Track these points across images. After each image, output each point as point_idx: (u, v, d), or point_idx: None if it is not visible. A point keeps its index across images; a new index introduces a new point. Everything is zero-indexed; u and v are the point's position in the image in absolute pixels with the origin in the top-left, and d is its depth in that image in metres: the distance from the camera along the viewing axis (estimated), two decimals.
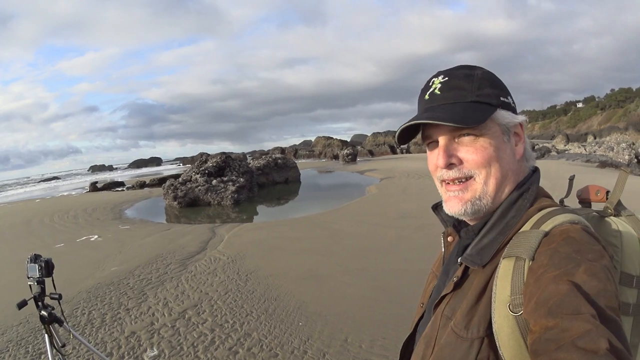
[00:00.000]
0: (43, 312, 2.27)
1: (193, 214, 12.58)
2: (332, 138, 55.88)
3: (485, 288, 0.65)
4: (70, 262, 6.60)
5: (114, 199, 16.52)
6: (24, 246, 8.41)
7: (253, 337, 3.60)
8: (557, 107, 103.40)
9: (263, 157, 21.98)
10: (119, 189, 22.20)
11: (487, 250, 0.68)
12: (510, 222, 0.69)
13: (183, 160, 68.94)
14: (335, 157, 39.87)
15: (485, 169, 0.69)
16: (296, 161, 24.97)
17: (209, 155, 18.31)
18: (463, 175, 0.70)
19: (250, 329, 3.77)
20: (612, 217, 0.72)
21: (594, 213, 0.75)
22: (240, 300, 4.49)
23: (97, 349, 3.34)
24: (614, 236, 0.69)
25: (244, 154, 35.39)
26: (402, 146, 41.98)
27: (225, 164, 16.31)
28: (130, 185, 23.25)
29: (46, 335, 2.32)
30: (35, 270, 2.28)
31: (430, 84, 0.73)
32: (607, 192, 0.76)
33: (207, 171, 15.46)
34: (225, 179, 15.09)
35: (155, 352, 3.43)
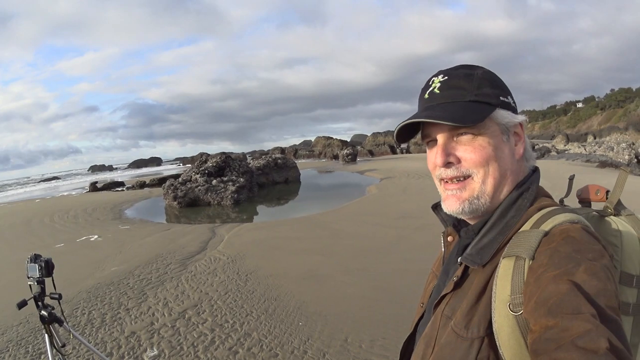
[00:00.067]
0: (43, 312, 2.27)
1: (193, 214, 12.58)
2: (332, 138, 55.89)
3: (485, 288, 0.65)
4: (70, 262, 6.60)
5: (114, 199, 16.52)
6: (24, 246, 8.41)
7: (253, 337, 3.60)
8: (557, 107, 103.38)
9: (263, 157, 21.98)
10: (119, 189, 22.20)
11: (487, 250, 0.68)
12: (510, 222, 0.69)
13: (183, 160, 68.94)
14: (335, 157, 39.88)
15: (483, 168, 0.69)
16: (296, 161, 24.98)
17: (209, 155, 18.31)
18: (461, 174, 0.70)
19: (250, 329, 3.77)
20: (612, 217, 0.72)
21: (594, 213, 0.75)
22: (240, 300, 4.49)
23: (97, 349, 3.33)
24: (614, 236, 0.69)
25: (244, 154, 35.41)
26: (402, 146, 41.99)
27: (225, 164, 16.32)
28: (130, 185, 23.25)
29: (46, 335, 2.32)
30: (35, 270, 2.28)
31: (430, 83, 0.74)
32: (607, 191, 0.76)
33: (207, 171, 15.46)
34: (225, 179, 15.09)
35: (155, 352, 3.43)
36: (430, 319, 0.75)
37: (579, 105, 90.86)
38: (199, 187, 14.39)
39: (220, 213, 12.63)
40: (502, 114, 0.70)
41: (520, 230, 0.66)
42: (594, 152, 25.10)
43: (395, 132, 0.74)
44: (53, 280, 2.36)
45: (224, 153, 17.50)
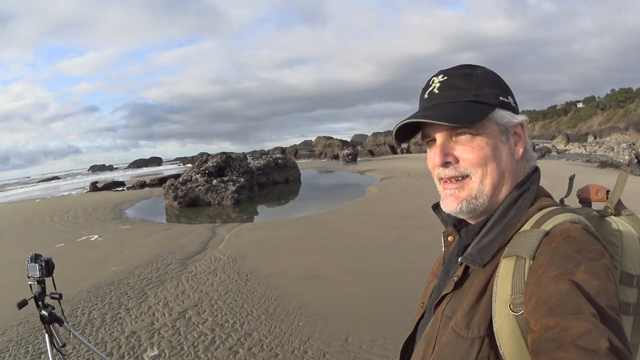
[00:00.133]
0: (43, 312, 2.27)
1: (193, 214, 12.58)
2: (332, 138, 55.86)
3: (486, 287, 0.65)
4: (70, 261, 6.60)
5: (114, 198, 16.53)
6: (24, 246, 8.41)
7: (253, 337, 3.60)
8: (558, 107, 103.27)
9: (263, 157, 21.99)
10: (119, 189, 22.20)
11: (488, 250, 0.68)
12: (511, 222, 0.69)
13: (183, 160, 68.94)
14: (336, 157, 39.88)
15: (481, 168, 0.69)
16: (296, 161, 24.97)
17: (209, 155, 18.32)
18: (459, 173, 0.71)
19: (250, 328, 3.77)
20: (612, 217, 0.72)
21: (594, 212, 0.75)
22: (240, 300, 4.50)
23: (98, 349, 3.34)
24: (614, 235, 0.69)
25: (244, 154, 35.38)
26: (402, 146, 41.98)
27: (226, 164, 16.32)
28: (130, 185, 23.26)
29: (46, 334, 2.32)
30: (35, 270, 2.28)
31: (431, 83, 0.74)
32: (607, 191, 0.76)
33: (207, 171, 15.46)
34: (225, 178, 15.10)
35: (156, 352, 3.43)
36: (430, 319, 0.75)
37: (579, 105, 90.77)
38: (200, 187, 14.40)
39: (220, 213, 12.63)
40: (502, 114, 0.70)
41: (521, 230, 0.66)
42: (594, 152, 25.11)
43: (394, 131, 0.75)
44: (53, 280, 2.36)
45: (224, 153, 17.52)
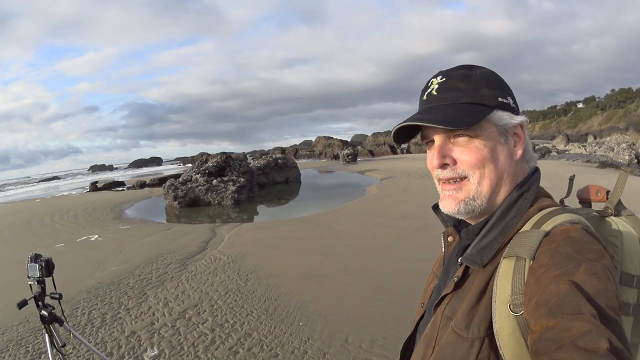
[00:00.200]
0: (43, 312, 2.27)
1: (193, 214, 12.58)
2: (332, 138, 55.86)
3: (486, 288, 0.65)
4: (70, 261, 6.60)
5: (114, 198, 16.53)
6: (24, 246, 8.42)
7: (253, 337, 3.60)
8: (558, 107, 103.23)
9: (263, 157, 21.98)
10: (119, 189, 22.20)
11: (488, 250, 0.68)
12: (511, 222, 0.69)
13: (183, 160, 68.93)
14: (336, 157, 39.88)
15: (478, 170, 0.69)
16: (296, 161, 24.97)
17: (209, 155, 18.32)
18: (457, 175, 0.71)
19: (250, 328, 3.77)
20: (612, 217, 0.72)
21: (594, 213, 0.75)
22: (240, 300, 4.50)
23: (98, 349, 3.34)
24: (614, 236, 0.69)
25: (244, 154, 35.39)
26: (402, 146, 41.99)
27: (226, 164, 16.32)
28: (130, 185, 23.27)
29: (46, 334, 2.32)
30: (35, 270, 2.28)
31: (429, 84, 0.74)
32: (608, 192, 0.76)
33: (207, 171, 15.47)
34: (225, 178, 15.10)
35: (156, 352, 3.43)
36: (430, 319, 0.75)
37: (580, 105, 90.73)
38: (200, 187, 14.40)
39: (220, 213, 12.63)
40: (500, 116, 0.70)
41: (521, 230, 0.66)
42: (594, 152, 25.11)
43: (393, 133, 0.75)
44: (53, 280, 2.36)
45: (224, 153, 17.52)
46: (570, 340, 0.47)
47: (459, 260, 0.74)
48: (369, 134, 61.00)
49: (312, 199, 14.45)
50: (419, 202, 10.36)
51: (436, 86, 0.72)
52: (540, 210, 0.68)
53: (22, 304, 2.20)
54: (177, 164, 78.52)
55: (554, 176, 7.70)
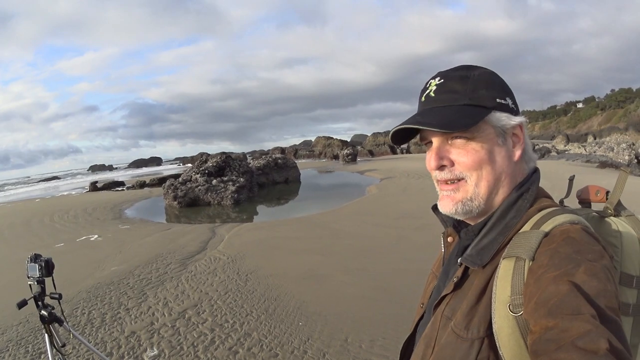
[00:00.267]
0: (43, 312, 2.27)
1: (193, 214, 12.58)
2: (332, 138, 55.83)
3: (486, 288, 0.65)
4: (70, 261, 6.60)
5: (114, 198, 16.53)
6: (24, 246, 8.41)
7: (253, 337, 3.60)
8: (557, 107, 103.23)
9: (263, 157, 21.98)
10: (119, 189, 22.19)
11: (487, 251, 0.68)
12: (510, 223, 0.69)
13: (183, 160, 68.92)
14: (336, 157, 39.87)
15: (476, 172, 0.69)
16: (296, 161, 24.98)
17: (209, 155, 18.31)
18: (455, 176, 0.71)
19: (250, 328, 3.77)
20: (612, 218, 0.72)
21: (594, 213, 0.75)
22: (240, 300, 4.50)
23: (97, 349, 3.34)
24: (613, 236, 0.69)
25: (244, 154, 35.38)
26: (402, 146, 41.98)
27: (225, 164, 16.32)
28: (130, 185, 23.25)
29: (46, 334, 2.32)
30: (35, 270, 2.28)
31: (428, 85, 0.74)
32: (607, 192, 0.76)
33: (207, 171, 15.46)
34: (225, 178, 15.10)
35: (155, 352, 3.43)
36: (430, 319, 0.75)
37: (579, 105, 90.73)
38: (199, 187, 14.39)
39: (220, 213, 12.63)
40: (498, 117, 0.70)
41: (521, 231, 0.66)
42: (594, 152, 25.13)
43: (391, 136, 0.75)
44: (53, 279, 2.36)
45: (224, 153, 17.51)
46: (570, 340, 0.47)
47: (458, 261, 0.74)
48: (369, 134, 60.99)
49: (311, 199, 14.45)
50: (419, 202, 10.36)
51: (434, 88, 0.72)
52: (539, 210, 0.68)
53: (22, 304, 2.20)
54: (176, 164, 78.50)
55: (553, 176, 7.71)
